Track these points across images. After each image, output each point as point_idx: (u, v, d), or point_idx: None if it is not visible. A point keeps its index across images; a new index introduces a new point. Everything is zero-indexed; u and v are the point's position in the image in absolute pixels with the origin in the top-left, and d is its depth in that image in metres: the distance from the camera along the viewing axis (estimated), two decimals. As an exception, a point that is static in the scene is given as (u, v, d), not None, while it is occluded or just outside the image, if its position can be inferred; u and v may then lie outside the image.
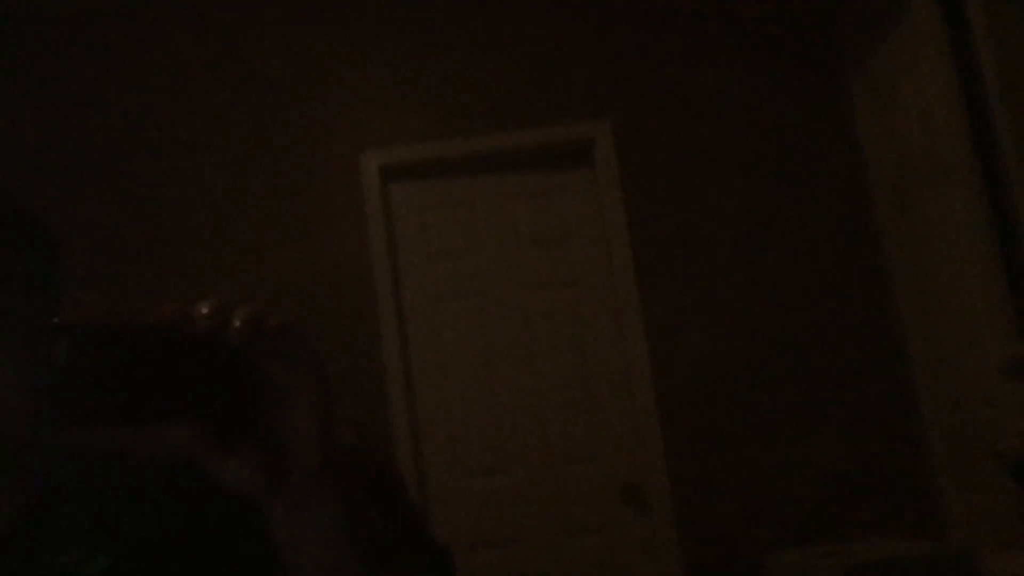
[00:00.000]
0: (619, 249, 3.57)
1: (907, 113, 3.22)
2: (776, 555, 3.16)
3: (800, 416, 3.47)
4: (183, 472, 0.83)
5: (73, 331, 0.53)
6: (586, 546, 3.46)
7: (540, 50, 3.68)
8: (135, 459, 0.89)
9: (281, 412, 0.59)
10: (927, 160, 3.13)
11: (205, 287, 3.44)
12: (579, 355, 3.59)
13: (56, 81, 3.63)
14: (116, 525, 0.83)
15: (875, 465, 3.43)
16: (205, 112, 3.64)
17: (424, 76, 3.67)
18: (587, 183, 3.68)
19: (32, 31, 3.65)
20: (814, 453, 3.44)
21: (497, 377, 3.57)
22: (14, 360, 0.74)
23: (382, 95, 3.66)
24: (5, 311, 0.77)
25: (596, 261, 3.64)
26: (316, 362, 0.60)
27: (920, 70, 3.08)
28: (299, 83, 3.66)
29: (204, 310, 0.57)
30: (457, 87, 3.66)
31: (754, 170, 3.63)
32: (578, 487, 3.50)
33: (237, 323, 0.57)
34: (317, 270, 3.55)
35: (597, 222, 3.65)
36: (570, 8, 3.71)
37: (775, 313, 3.54)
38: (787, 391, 3.48)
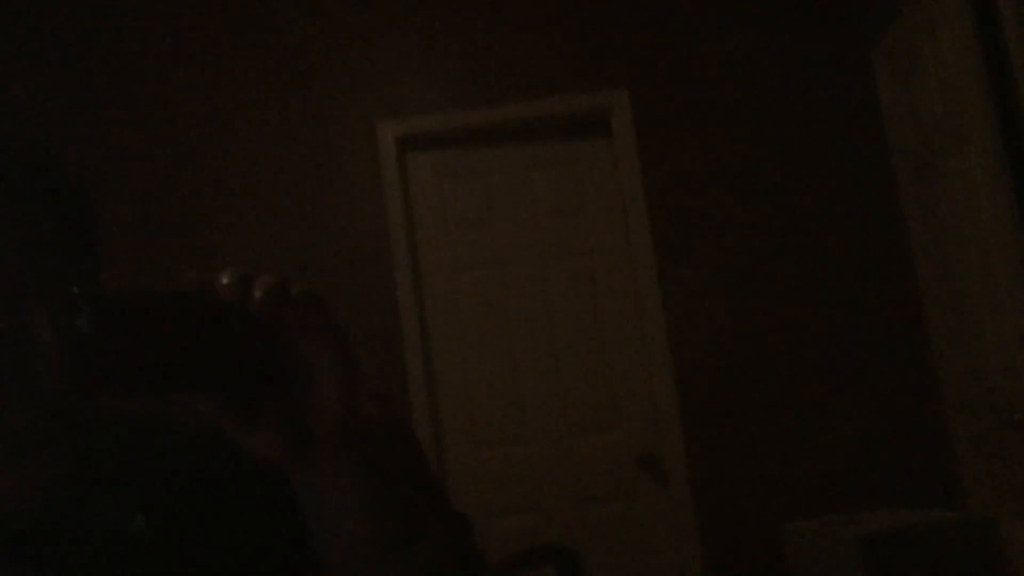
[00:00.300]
0: (637, 219, 3.56)
1: (928, 83, 3.19)
2: (793, 524, 3.17)
3: (817, 386, 3.47)
4: (219, 437, 0.84)
5: (95, 301, 0.53)
6: (603, 515, 3.49)
7: (556, 19, 3.66)
8: (172, 424, 0.90)
9: (306, 381, 0.59)
10: (949, 130, 3.10)
11: (223, 257, 3.46)
12: (597, 325, 3.60)
13: (79, 55, 3.63)
14: (154, 487, 0.85)
15: (892, 435, 3.43)
16: (225, 84, 3.64)
17: (441, 46, 3.65)
18: (605, 153, 3.67)
19: (58, 8, 3.65)
20: (831, 423, 3.44)
21: (515, 347, 3.58)
22: (54, 329, 0.74)
23: (399, 65, 3.65)
24: (46, 278, 0.77)
25: (614, 231, 3.64)
26: (340, 331, 0.59)
27: (942, 39, 3.04)
28: (316, 53, 3.65)
29: (226, 280, 0.57)
30: (474, 57, 3.64)
31: (773, 140, 3.60)
32: (595, 456, 3.52)
33: (259, 294, 0.57)
34: (335, 241, 3.56)
35: (615, 192, 3.64)
36: (588, -24, 3.68)
37: (793, 283, 3.53)
38: (804, 360, 3.48)
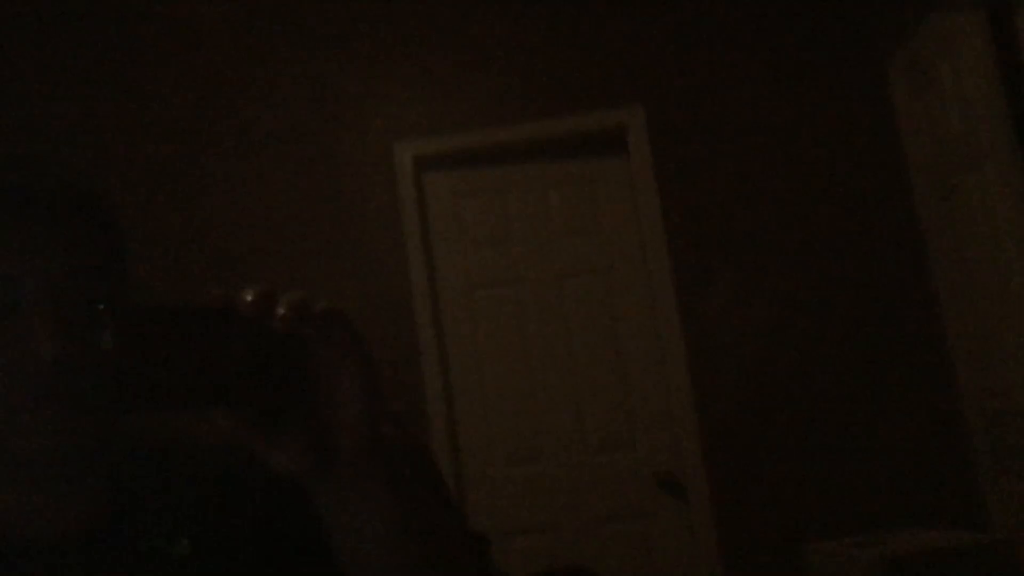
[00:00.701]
0: (653, 236, 3.55)
1: (946, 99, 3.17)
2: (814, 545, 3.14)
3: (838, 404, 3.44)
4: (249, 455, 0.85)
5: (119, 316, 0.54)
6: (622, 534, 3.47)
7: (571, 36, 3.67)
8: (203, 444, 0.91)
9: (329, 396, 0.60)
10: (967, 146, 3.08)
11: (243, 276, 3.47)
12: (614, 342, 3.59)
13: (101, 73, 3.67)
14: (194, 510, 0.86)
15: (914, 453, 3.39)
16: (244, 106, 3.67)
17: (456, 66, 3.67)
18: (621, 170, 3.67)
19: (80, 10, 3.69)
20: (852, 442, 3.41)
21: (532, 365, 3.58)
22: (90, 346, 0.75)
23: (415, 86, 3.67)
24: (80, 296, 0.78)
25: (631, 248, 3.63)
26: (363, 347, 0.60)
27: (960, 54, 3.03)
28: (333, 75, 3.68)
29: (249, 297, 0.57)
30: (490, 76, 3.66)
31: (790, 156, 3.59)
32: (614, 474, 3.50)
33: (282, 310, 0.57)
34: (352, 260, 3.57)
35: (631, 209, 3.64)
36: (603, -5, 3.69)
37: (811, 300, 3.51)
38: (824, 379, 3.46)
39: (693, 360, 3.48)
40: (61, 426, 0.75)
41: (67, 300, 0.77)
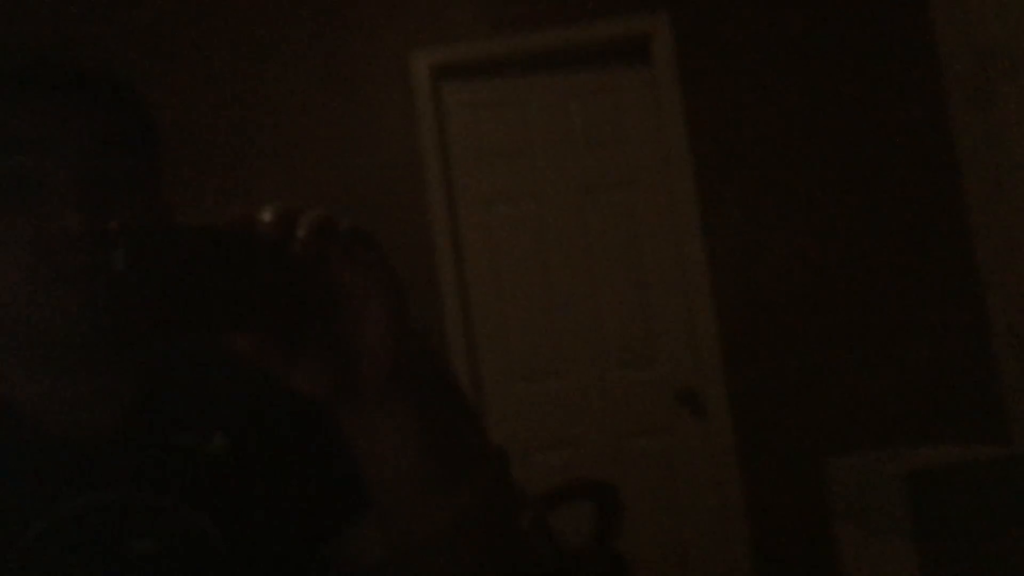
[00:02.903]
0: (677, 149, 3.48)
1: (985, 5, 3.06)
2: (835, 459, 3.15)
3: (861, 318, 3.41)
4: None
5: (133, 237, 0.52)
6: (642, 449, 3.49)
7: (595, -59, 3.54)
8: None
9: (353, 318, 0.59)
10: (1005, 53, 2.98)
11: (259, 190, 3.45)
12: (635, 257, 3.55)
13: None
14: (230, 408, 0.87)
15: (938, 368, 3.37)
16: (257, 15, 3.60)
17: (475, -29, 3.56)
18: (644, 80, 3.58)
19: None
20: (875, 356, 3.39)
21: (552, 280, 3.55)
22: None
23: (432, -8, 3.58)
24: (108, 172, 0.78)
25: (653, 161, 3.56)
26: (387, 266, 0.59)
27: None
28: (347, -20, 3.59)
29: (268, 217, 0.56)
30: (509, -18, 3.55)
31: (820, 64, 3.49)
32: (634, 390, 3.50)
33: (303, 231, 0.56)
34: (368, 172, 3.53)
35: (654, 121, 3.56)
36: None
37: (837, 215, 3.45)
38: (848, 293, 3.42)
39: (714, 276, 3.44)
40: (89, 301, 0.74)
41: (95, 175, 0.77)
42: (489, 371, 3.53)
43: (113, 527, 0.78)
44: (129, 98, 0.83)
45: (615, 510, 2.81)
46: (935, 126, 3.45)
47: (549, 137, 3.59)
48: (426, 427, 0.63)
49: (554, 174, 3.59)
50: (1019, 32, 2.86)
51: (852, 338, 3.41)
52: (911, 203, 3.44)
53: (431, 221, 3.49)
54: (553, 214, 3.58)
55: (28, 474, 0.79)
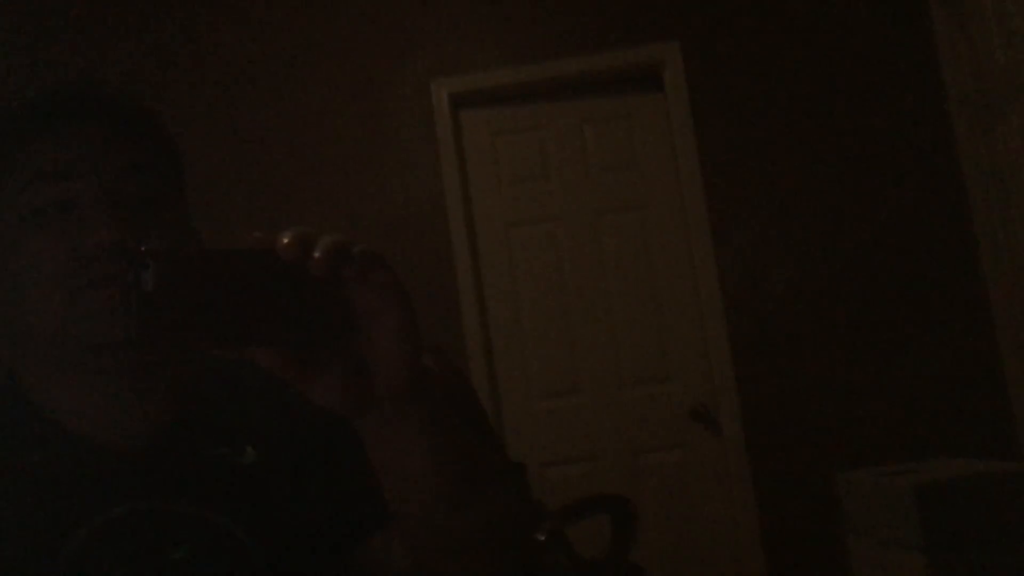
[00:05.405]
0: (689, 173, 3.55)
1: (988, 29, 3.12)
2: (847, 473, 3.17)
3: (871, 335, 3.45)
4: None
5: (161, 257, 0.55)
6: (657, 465, 3.53)
7: (608, -28, 3.63)
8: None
9: (368, 335, 0.60)
10: (1009, 78, 3.03)
11: (283, 216, 3.51)
12: (649, 278, 3.61)
13: (148, 12, 3.69)
14: (261, 420, 0.90)
15: (947, 383, 3.39)
16: (279, 44, 3.67)
17: (492, 2, 3.65)
18: (657, 107, 3.65)
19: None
20: (885, 372, 3.42)
21: (568, 301, 3.62)
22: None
23: (452, 23, 3.66)
24: (135, 192, 0.82)
25: (666, 185, 3.63)
26: (399, 287, 0.60)
27: (1002, -18, 2.97)
28: (369, 12, 3.67)
29: (286, 240, 0.58)
30: (525, 12, 3.63)
31: (827, 90, 3.55)
32: (649, 407, 3.55)
33: (319, 253, 0.58)
34: (390, 198, 3.59)
35: (667, 146, 3.63)
36: (639, -73, 3.64)
37: (846, 234, 3.50)
38: (858, 310, 3.46)
39: (726, 295, 3.50)
40: (120, 305, 0.77)
41: (124, 196, 0.81)
42: (508, 389, 3.60)
43: (151, 536, 0.80)
44: (154, 127, 0.88)
45: (631, 522, 2.85)
46: (941, 148, 3.50)
47: (565, 162, 3.67)
48: (442, 441, 0.64)
49: (570, 197, 3.66)
50: (1020, 56, 2.92)
51: (862, 355, 3.45)
52: (918, 223, 3.49)
53: (451, 243, 3.56)
54: (569, 236, 3.65)
55: (70, 483, 0.81)
